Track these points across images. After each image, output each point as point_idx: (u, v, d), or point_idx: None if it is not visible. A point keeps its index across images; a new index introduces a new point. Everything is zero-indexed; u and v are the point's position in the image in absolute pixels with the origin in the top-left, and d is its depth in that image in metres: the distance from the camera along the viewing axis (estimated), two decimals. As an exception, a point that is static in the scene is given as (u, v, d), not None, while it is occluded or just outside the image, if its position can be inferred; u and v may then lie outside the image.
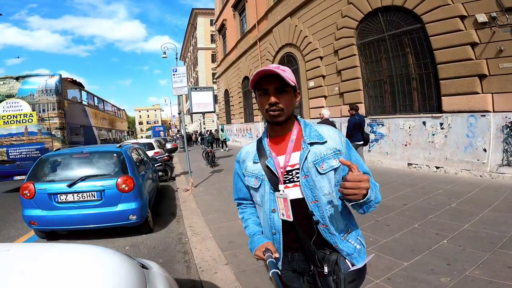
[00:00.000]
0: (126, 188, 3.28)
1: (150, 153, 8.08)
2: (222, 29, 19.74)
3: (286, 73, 0.89)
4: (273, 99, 0.89)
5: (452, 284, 1.84)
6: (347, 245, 0.93)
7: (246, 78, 15.19)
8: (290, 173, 0.94)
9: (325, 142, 0.93)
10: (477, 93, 4.60)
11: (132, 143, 6.04)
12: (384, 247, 2.50)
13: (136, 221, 3.36)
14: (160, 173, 7.43)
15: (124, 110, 22.10)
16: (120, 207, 3.26)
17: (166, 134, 41.13)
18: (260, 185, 0.98)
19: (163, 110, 79.39)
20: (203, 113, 10.12)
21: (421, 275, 1.99)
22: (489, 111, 4.48)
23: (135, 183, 3.38)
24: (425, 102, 5.57)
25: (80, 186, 3.22)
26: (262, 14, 12.29)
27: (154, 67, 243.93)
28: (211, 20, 28.96)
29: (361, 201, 0.77)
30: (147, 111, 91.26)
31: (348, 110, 5.46)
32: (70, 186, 3.18)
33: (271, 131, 1.01)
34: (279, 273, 0.82)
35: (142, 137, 30.50)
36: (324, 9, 7.96)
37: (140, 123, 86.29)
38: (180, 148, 17.67)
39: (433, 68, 5.25)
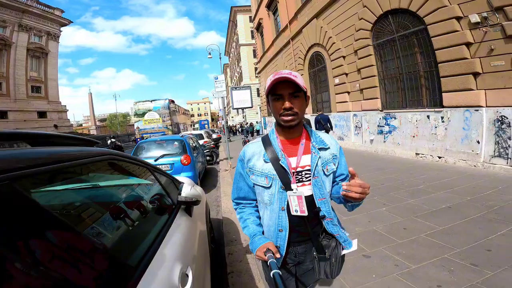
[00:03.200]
0: (186, 162, 5.14)
1: (201, 142, 10.11)
2: (259, 28, 20.77)
3: (298, 79, 0.95)
4: (288, 104, 0.95)
5: (360, 231, 2.91)
6: (342, 234, 1.08)
7: (282, 74, 16.23)
8: (300, 174, 1.02)
9: (328, 148, 1.06)
10: (472, 89, 5.06)
11: (188, 134, 8.24)
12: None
13: (190, 184, 5.70)
14: (208, 158, 9.38)
15: (188, 110, 31.66)
16: (182, 174, 5.01)
17: (211, 126, 47.51)
18: (271, 184, 1.02)
19: (211, 103, 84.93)
20: (243, 109, 11.74)
21: (347, 225, 2.91)
22: (482, 106, 4.93)
23: (191, 159, 5.23)
24: (430, 98, 6.08)
25: (160, 160, 5.13)
26: (292, 15, 13.11)
27: (203, 62, 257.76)
28: (250, 17, 30.00)
29: (359, 202, 0.93)
30: (198, 104, 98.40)
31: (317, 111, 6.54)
32: (155, 160, 5.12)
33: (282, 133, 1.07)
34: (281, 273, 0.84)
35: (193, 128, 34.68)
36: (344, 11, 8.63)
37: (192, 115, 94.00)
38: (227, 138, 20.28)
39: (436, 66, 5.73)
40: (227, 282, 2.29)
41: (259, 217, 1.14)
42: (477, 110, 5.01)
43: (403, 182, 4.58)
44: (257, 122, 23.23)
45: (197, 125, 44.42)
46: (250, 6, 25.82)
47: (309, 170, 1.01)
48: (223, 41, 52.07)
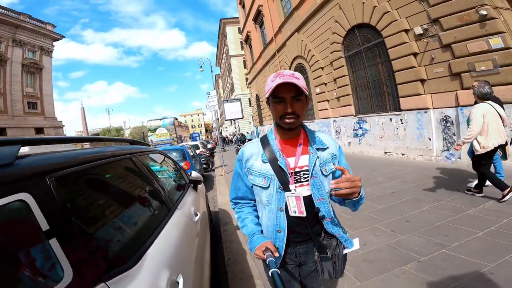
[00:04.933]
0: (186, 167, 5.98)
1: (197, 152, 10.98)
2: (248, 40, 21.52)
3: (300, 81, 0.95)
4: (290, 109, 0.96)
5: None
6: (343, 234, 1.09)
7: (270, 84, 17.29)
8: (298, 174, 1.03)
9: (327, 148, 1.07)
10: (420, 94, 6.07)
11: (186, 144, 9.22)
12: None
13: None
14: (204, 166, 10.24)
15: (187, 125, 34.92)
16: (183, 178, 6.22)
17: (205, 137, 50.40)
18: (269, 184, 1.03)
19: (205, 114, 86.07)
20: (234, 120, 12.70)
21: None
22: (430, 108, 5.93)
23: (191, 165, 6.07)
24: (392, 103, 7.10)
25: (165, 166, 6.50)
26: (277, 29, 14.06)
27: (195, 73, 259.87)
28: (239, 28, 30.50)
29: (356, 199, 0.92)
30: (191, 116, 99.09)
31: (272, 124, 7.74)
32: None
33: (280, 134, 1.08)
34: (279, 272, 0.85)
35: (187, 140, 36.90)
36: (320, 26, 9.60)
37: (185, 127, 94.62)
38: (221, 148, 21.48)
39: (393, 75, 6.74)
40: (222, 247, 3.17)
41: (257, 216, 1.15)
42: (426, 112, 6.02)
43: (367, 176, 5.51)
44: (247, 132, 27.14)
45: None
46: (238, 18, 26.73)
47: (307, 170, 1.02)
48: (215, 51, 53.31)
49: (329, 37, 9.11)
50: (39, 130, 29.46)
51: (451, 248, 2.35)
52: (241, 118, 12.86)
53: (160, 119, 26.64)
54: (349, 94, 8.67)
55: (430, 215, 3.16)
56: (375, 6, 6.79)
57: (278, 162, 1.02)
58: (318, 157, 1.04)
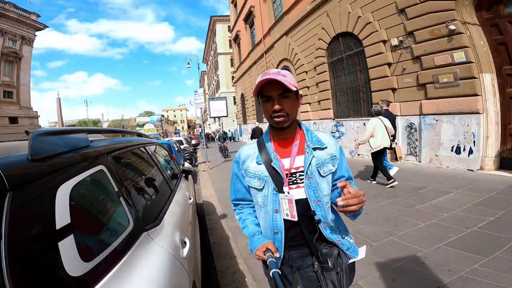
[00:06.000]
0: None
1: (182, 147, 11.18)
2: (237, 39, 21.77)
3: (287, 78, 0.91)
4: (277, 107, 0.93)
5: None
6: (345, 241, 1.04)
7: (256, 84, 17.69)
8: (294, 175, 0.99)
9: (325, 148, 1.03)
10: (391, 102, 6.72)
11: (172, 139, 9.47)
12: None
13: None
14: (188, 161, 10.45)
15: (172, 120, 33.96)
16: (168, 171, 6.49)
17: (187, 133, 51.78)
18: (264, 186, 1.02)
19: (188, 110, 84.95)
20: (219, 117, 12.98)
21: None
22: (398, 115, 6.58)
23: (177, 158, 6.29)
24: (366, 108, 7.74)
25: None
26: (266, 30, 14.41)
27: (181, 68, 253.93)
28: (229, 26, 30.46)
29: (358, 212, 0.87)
30: (174, 111, 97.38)
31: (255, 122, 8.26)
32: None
33: (275, 135, 1.06)
34: (280, 273, 0.84)
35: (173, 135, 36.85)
36: (308, 31, 10.04)
37: (167, 122, 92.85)
38: (203, 145, 21.69)
39: (369, 82, 7.35)
40: (208, 233, 3.53)
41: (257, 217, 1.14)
42: (395, 118, 6.69)
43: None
44: (229, 130, 28.42)
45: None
46: (229, 16, 26.77)
47: (303, 171, 0.99)
48: (203, 47, 52.68)
49: (315, 42, 9.55)
50: (13, 120, 28.00)
51: (398, 236, 2.79)
52: (225, 116, 13.19)
53: (148, 116, 31.04)
54: (329, 99, 9.26)
55: (387, 209, 3.69)
56: (360, 16, 7.25)
57: (272, 163, 1.00)
58: (314, 156, 1.00)
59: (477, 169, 5.06)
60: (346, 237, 1.07)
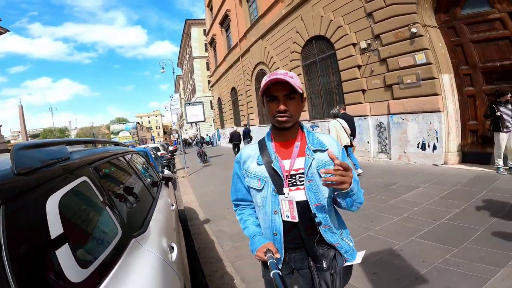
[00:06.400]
0: None
1: (159, 154, 10.86)
2: (212, 42, 21.59)
3: (294, 79, 0.93)
4: (283, 107, 0.94)
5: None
6: (344, 243, 1.04)
7: (233, 89, 17.57)
8: (294, 177, 0.99)
9: (327, 149, 1.00)
10: (361, 103, 7.08)
11: (148, 146, 9.16)
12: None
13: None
14: (166, 168, 10.19)
15: (146, 127, 35.30)
16: (146, 179, 6.32)
17: (163, 139, 51.33)
18: (263, 187, 1.02)
19: (163, 116, 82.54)
20: (196, 122, 12.81)
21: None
22: (368, 115, 6.96)
23: (155, 166, 6.13)
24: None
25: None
26: (242, 34, 14.51)
27: (155, 72, 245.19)
28: (204, 30, 30.27)
29: (346, 190, 0.87)
30: (148, 117, 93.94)
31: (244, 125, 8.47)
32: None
33: (276, 135, 1.06)
34: (280, 274, 0.84)
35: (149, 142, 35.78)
36: (283, 35, 10.27)
37: (142, 129, 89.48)
38: (180, 151, 21.22)
39: (341, 84, 7.69)
40: (192, 239, 3.49)
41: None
42: (365, 118, 7.04)
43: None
44: (207, 135, 28.66)
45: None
46: (204, 19, 26.55)
47: (303, 173, 0.99)
48: (177, 51, 51.82)
49: (290, 46, 9.80)
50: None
51: (374, 230, 2.93)
52: (203, 121, 13.04)
53: (123, 123, 31.29)
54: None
55: (363, 205, 3.90)
56: (331, 20, 7.56)
57: (272, 164, 1.00)
58: (314, 159, 0.99)
59: (442, 164, 5.50)
60: (346, 240, 1.07)
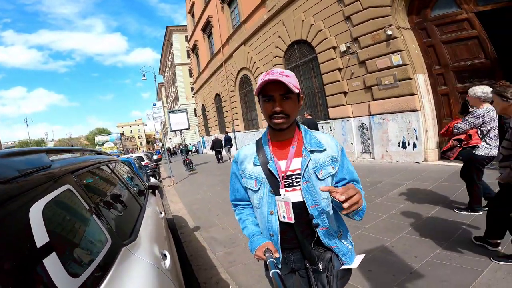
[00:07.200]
0: None
1: (143, 163, 10.58)
2: (195, 49, 21.33)
3: (291, 79, 0.91)
4: (278, 108, 0.92)
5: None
6: (342, 246, 1.02)
7: (217, 95, 17.45)
8: (290, 178, 0.98)
9: (324, 150, 0.99)
10: (343, 105, 7.25)
11: (132, 156, 8.90)
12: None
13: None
14: (151, 178, 9.94)
15: (128, 137, 35.00)
16: (130, 188, 6.11)
17: (146, 149, 50.64)
18: (260, 187, 1.01)
19: (146, 125, 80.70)
20: (180, 130, 12.62)
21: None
22: (351, 117, 7.13)
23: (139, 175, 5.96)
24: (322, 112, 8.26)
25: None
26: (225, 40, 14.46)
27: (136, 80, 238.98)
28: (186, 37, 29.74)
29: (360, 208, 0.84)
30: (130, 126, 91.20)
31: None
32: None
33: (273, 135, 1.04)
34: (280, 273, 0.84)
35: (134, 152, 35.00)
36: (265, 40, 10.38)
37: (126, 139, 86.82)
38: (165, 159, 20.69)
39: (323, 87, 7.87)
40: (183, 247, 3.41)
41: None
42: (348, 120, 7.21)
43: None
44: (190, 143, 29.30)
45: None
46: (186, 26, 26.25)
47: (299, 174, 0.97)
48: (159, 58, 51.10)
49: (272, 50, 9.91)
50: None
51: (365, 229, 2.97)
52: (187, 129, 12.88)
53: (108, 135, 32.41)
54: (290, 104, 9.67)
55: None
56: (312, 24, 7.73)
57: (268, 165, 0.99)
58: (311, 159, 0.98)
59: (422, 161, 5.73)
60: (345, 242, 1.05)
